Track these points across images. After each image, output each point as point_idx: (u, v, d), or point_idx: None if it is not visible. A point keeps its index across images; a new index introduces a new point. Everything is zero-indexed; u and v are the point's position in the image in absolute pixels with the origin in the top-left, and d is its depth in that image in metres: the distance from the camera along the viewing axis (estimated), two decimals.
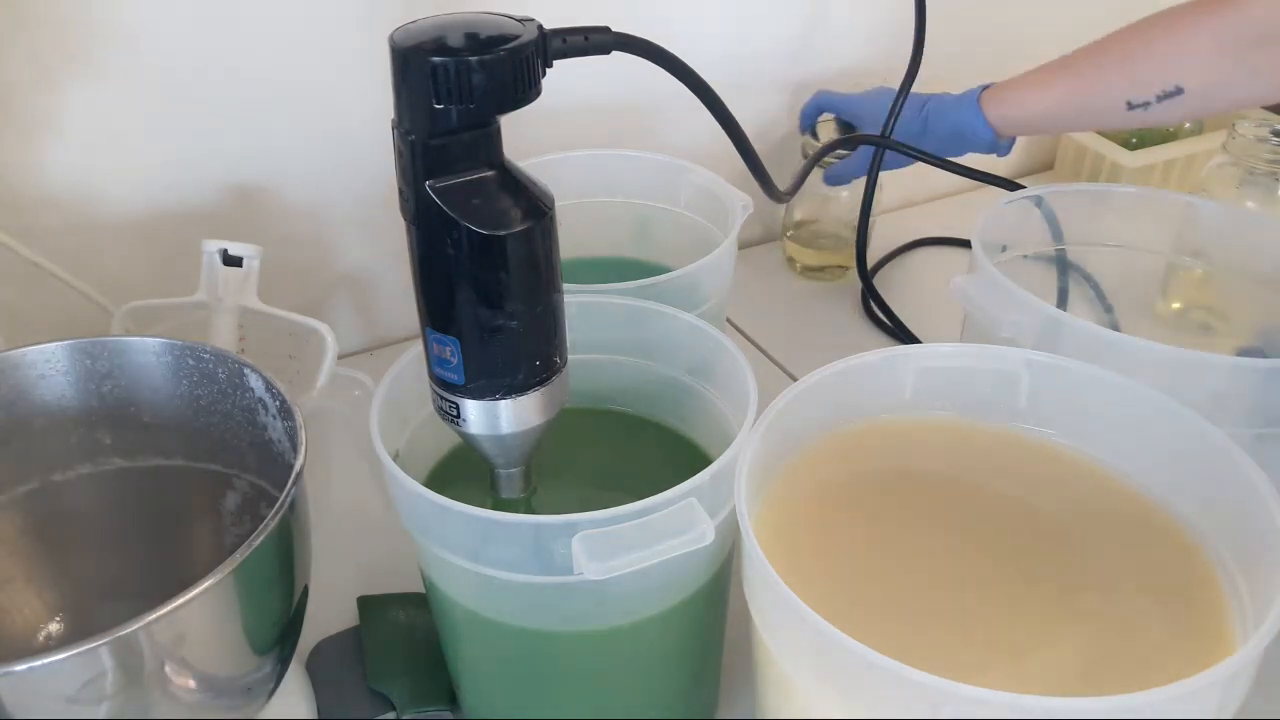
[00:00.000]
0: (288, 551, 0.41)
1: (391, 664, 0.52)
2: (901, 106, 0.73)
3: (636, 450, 0.51)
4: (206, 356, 0.47)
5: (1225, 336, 0.62)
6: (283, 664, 0.43)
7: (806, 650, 0.34)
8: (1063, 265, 0.62)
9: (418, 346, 0.42)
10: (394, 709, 0.50)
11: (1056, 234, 0.61)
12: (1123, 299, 0.63)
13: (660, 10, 0.74)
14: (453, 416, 0.40)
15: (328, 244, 0.72)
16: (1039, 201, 0.59)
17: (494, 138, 0.37)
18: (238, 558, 0.36)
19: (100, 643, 0.33)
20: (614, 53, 0.40)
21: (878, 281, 0.81)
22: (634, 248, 0.67)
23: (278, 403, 0.44)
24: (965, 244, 0.86)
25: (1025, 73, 0.65)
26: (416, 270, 0.38)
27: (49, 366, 0.47)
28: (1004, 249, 0.58)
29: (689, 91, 0.45)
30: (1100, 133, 0.91)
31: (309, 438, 0.42)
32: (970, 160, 0.69)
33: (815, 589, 0.33)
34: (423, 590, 0.46)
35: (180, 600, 0.34)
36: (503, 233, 0.36)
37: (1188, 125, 0.91)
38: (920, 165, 0.70)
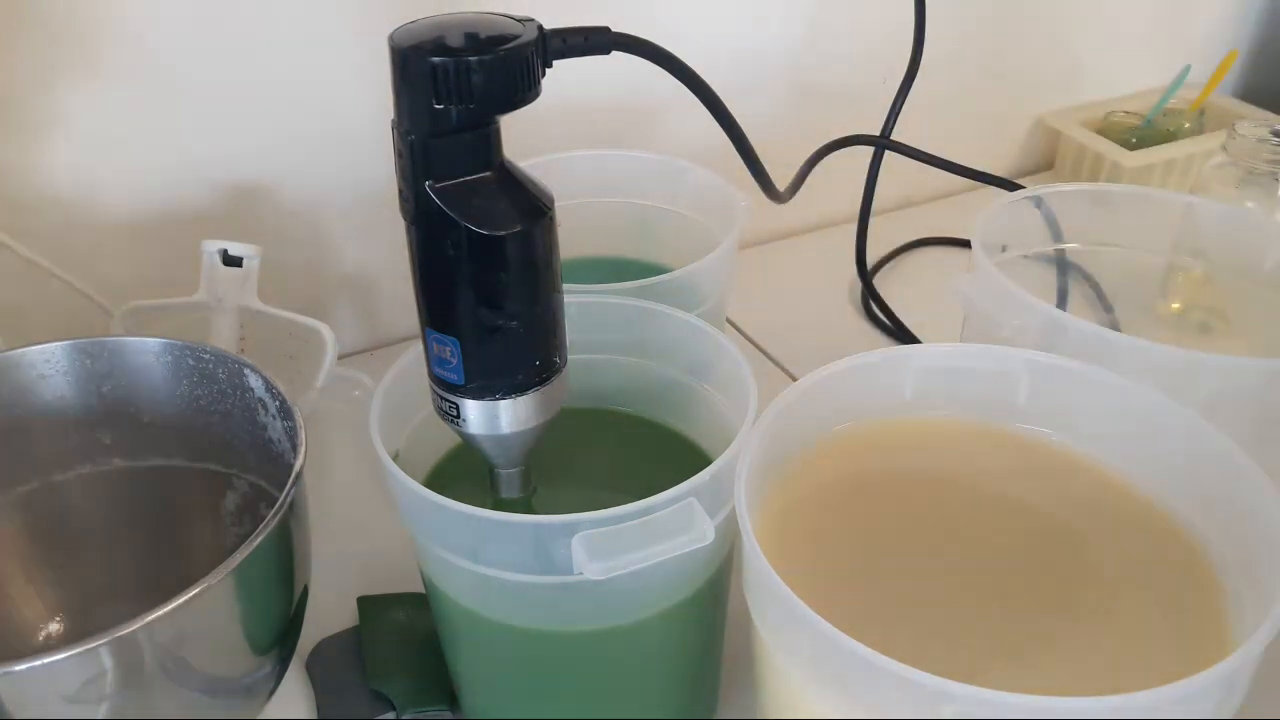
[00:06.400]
0: (288, 551, 0.41)
1: (391, 664, 0.52)
2: (901, 106, 0.73)
3: (636, 450, 0.51)
4: (206, 356, 0.47)
5: (1225, 336, 0.62)
6: (283, 664, 0.43)
7: (806, 650, 0.34)
8: (1063, 265, 0.61)
9: (418, 346, 0.42)
10: (394, 709, 0.50)
11: (1056, 234, 0.61)
12: (1123, 299, 0.63)
13: (660, 10, 0.74)
14: (453, 416, 0.40)
15: (328, 244, 0.72)
16: (1039, 201, 0.59)
17: (494, 138, 0.37)
18: (238, 558, 0.36)
19: (100, 643, 0.33)
20: (614, 53, 0.40)
21: (878, 281, 0.81)
22: (634, 248, 0.67)
23: (278, 403, 0.44)
24: (965, 244, 0.86)
25: None
26: (416, 270, 0.38)
27: (49, 366, 0.47)
28: (1004, 249, 0.58)
29: (689, 91, 0.45)
30: (1100, 132, 0.91)
31: (309, 438, 0.42)
32: (970, 160, 0.69)
33: (815, 589, 0.33)
34: (423, 590, 0.46)
35: (180, 600, 0.34)
36: (503, 233, 0.36)
37: (1187, 125, 0.91)
38: (920, 165, 0.70)
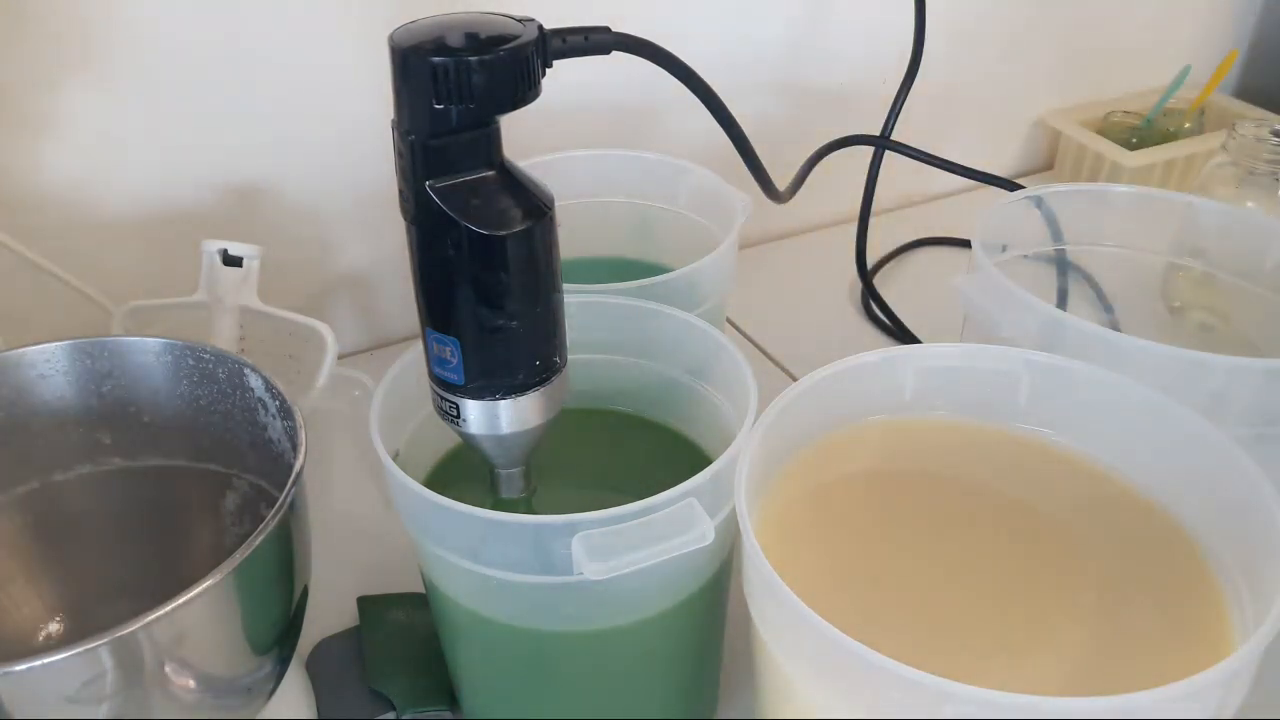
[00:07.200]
0: (288, 551, 0.41)
1: (391, 664, 0.52)
2: (901, 106, 0.73)
3: (636, 450, 0.51)
4: (206, 356, 0.47)
5: (1225, 336, 0.62)
6: (283, 664, 0.43)
7: (806, 650, 0.34)
8: (1063, 265, 0.62)
9: (418, 346, 0.42)
10: (394, 709, 0.50)
11: (1056, 234, 0.61)
12: (1123, 299, 0.63)
13: (660, 10, 0.74)
14: (453, 416, 0.40)
15: (328, 244, 0.72)
16: (1039, 201, 0.59)
17: (494, 138, 0.37)
18: (238, 558, 0.36)
19: (100, 643, 0.33)
20: (614, 53, 0.40)
21: (878, 281, 0.81)
22: (634, 248, 0.67)
23: (278, 403, 0.44)
24: (965, 244, 0.86)
25: None
26: (416, 270, 0.38)
27: (49, 366, 0.47)
28: (1004, 249, 0.58)
29: (689, 91, 0.45)
30: (1100, 132, 0.91)
31: (309, 438, 0.42)
32: (970, 160, 0.69)
33: (815, 589, 0.33)
34: (423, 590, 0.46)
35: (180, 600, 0.34)
36: (503, 233, 0.36)
37: (1188, 125, 0.91)
38: (920, 165, 0.70)
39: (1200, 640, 0.36)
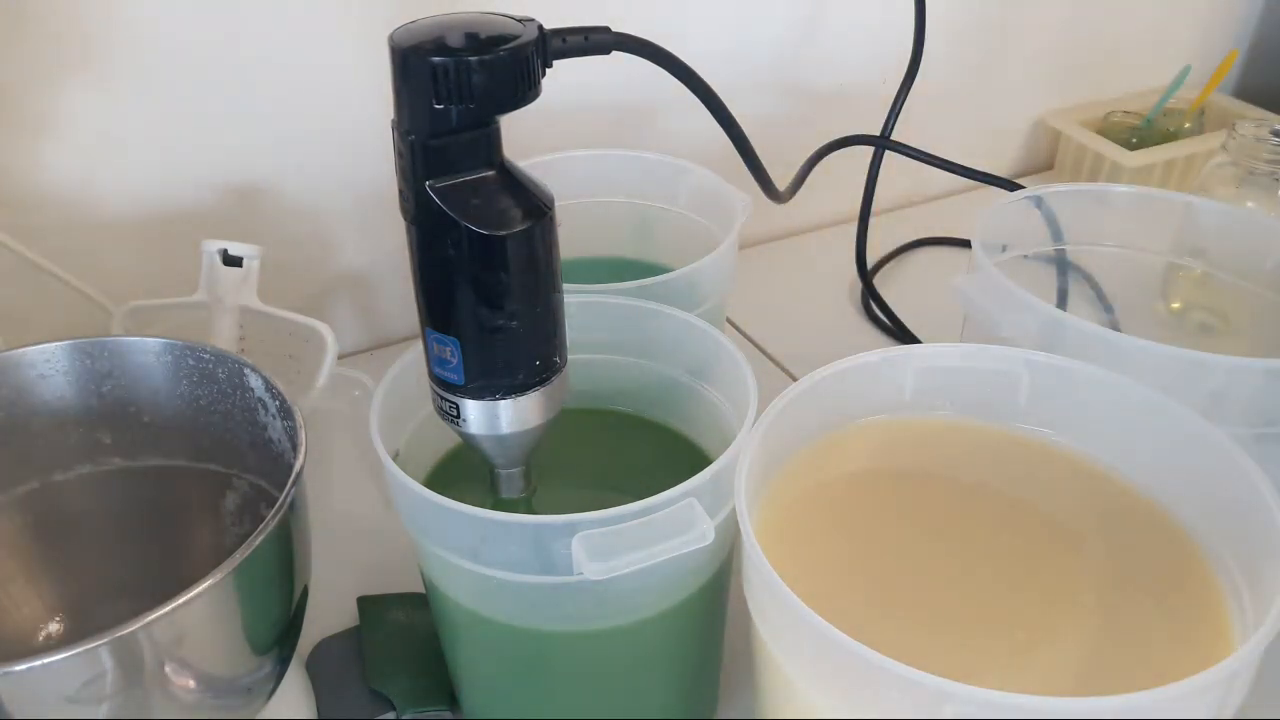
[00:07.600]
0: (288, 551, 0.41)
1: (391, 664, 0.52)
2: (901, 106, 0.73)
3: (636, 450, 0.51)
4: (206, 356, 0.47)
5: (1225, 336, 0.62)
6: (283, 664, 0.43)
7: (807, 650, 0.34)
8: (1063, 265, 0.62)
9: (418, 346, 0.42)
10: (394, 709, 0.50)
11: (1056, 234, 0.61)
12: (1123, 299, 0.63)
13: (660, 10, 0.74)
14: (453, 416, 0.40)
15: (328, 244, 0.72)
16: (1039, 201, 0.59)
17: (494, 138, 0.37)
18: (238, 558, 0.36)
19: (100, 643, 0.33)
20: (614, 53, 0.40)
21: (878, 281, 0.81)
22: (634, 248, 0.67)
23: (278, 403, 0.44)
24: (965, 244, 0.86)
25: None
26: (416, 270, 0.38)
27: (49, 366, 0.47)
28: (1004, 249, 0.58)
29: (689, 91, 0.45)
30: (1100, 132, 0.91)
31: (309, 438, 0.42)
32: (970, 160, 0.69)
33: (815, 589, 0.33)
34: (423, 590, 0.46)
35: (180, 600, 0.34)
36: (503, 233, 0.36)
37: (1188, 125, 0.91)
38: (920, 165, 0.70)
39: (1200, 640, 0.36)
